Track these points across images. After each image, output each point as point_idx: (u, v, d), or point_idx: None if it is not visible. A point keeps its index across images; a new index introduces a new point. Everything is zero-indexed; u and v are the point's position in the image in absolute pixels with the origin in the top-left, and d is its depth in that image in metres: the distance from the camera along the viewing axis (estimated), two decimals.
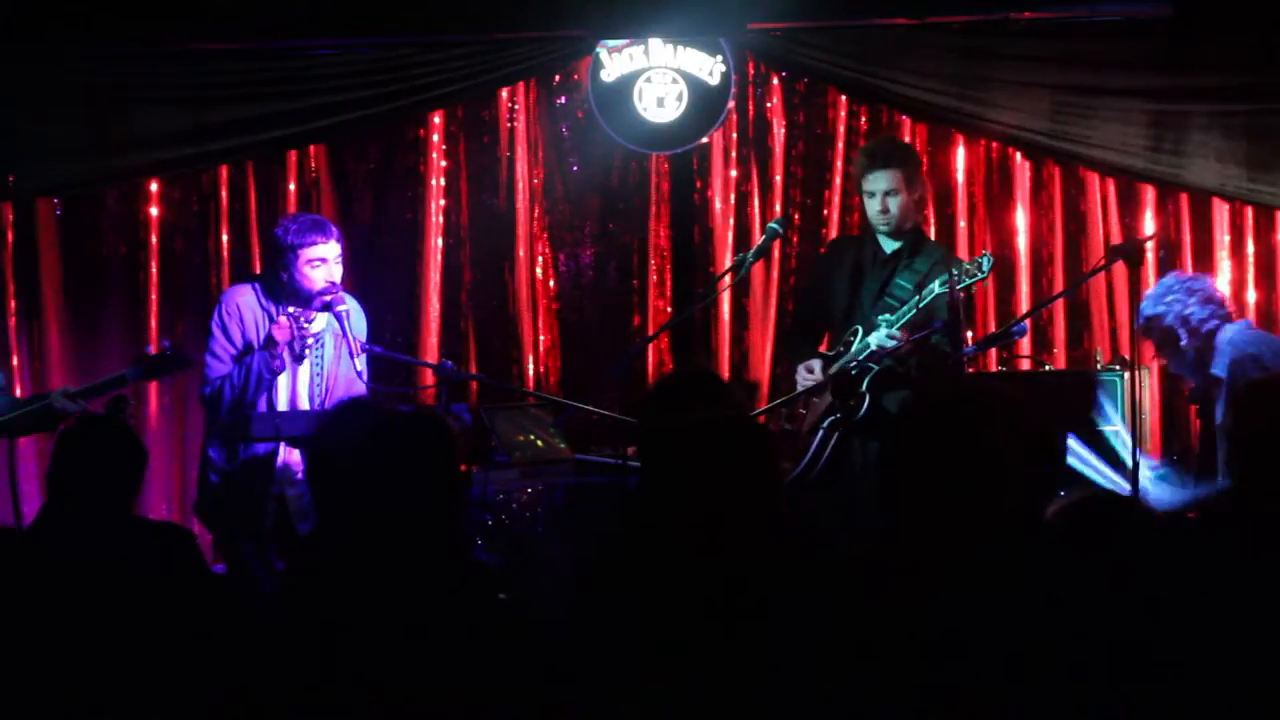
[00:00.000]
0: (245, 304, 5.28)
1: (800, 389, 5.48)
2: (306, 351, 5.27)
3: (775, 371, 6.55)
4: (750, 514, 2.85)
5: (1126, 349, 5.70)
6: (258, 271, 6.21)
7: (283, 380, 5.27)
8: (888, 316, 5.26)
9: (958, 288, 5.09)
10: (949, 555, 2.60)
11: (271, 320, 5.26)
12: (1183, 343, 5.03)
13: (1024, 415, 2.90)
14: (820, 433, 5.37)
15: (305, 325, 5.25)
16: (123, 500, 3.54)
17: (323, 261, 5.22)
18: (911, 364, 5.26)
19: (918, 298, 5.16)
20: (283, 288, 5.26)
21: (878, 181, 5.40)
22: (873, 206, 5.44)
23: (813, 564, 2.81)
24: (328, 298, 5.22)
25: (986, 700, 2.50)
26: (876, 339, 5.23)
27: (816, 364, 5.43)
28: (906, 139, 6.47)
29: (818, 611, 2.67)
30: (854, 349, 5.30)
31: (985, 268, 5.07)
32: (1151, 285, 6.16)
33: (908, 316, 5.19)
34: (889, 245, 5.48)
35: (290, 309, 5.23)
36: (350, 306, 5.32)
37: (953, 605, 2.57)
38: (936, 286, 5.09)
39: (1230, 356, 4.93)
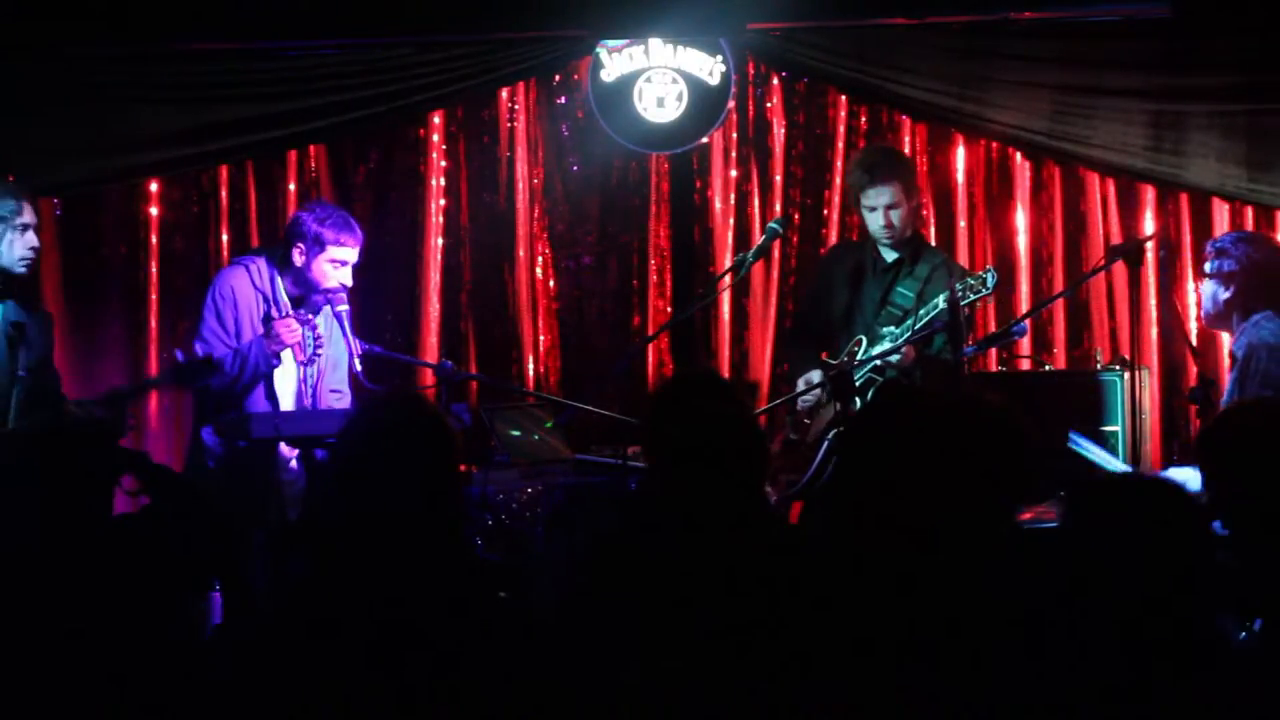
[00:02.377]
0: (240, 287, 5.26)
1: (802, 404, 5.50)
2: (317, 355, 5.26)
3: (775, 371, 6.55)
4: (745, 510, 2.86)
5: (1126, 349, 5.69)
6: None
7: (287, 372, 5.27)
8: (893, 329, 5.27)
9: (961, 304, 5.11)
10: (930, 553, 2.61)
11: (266, 302, 5.24)
12: (1228, 292, 4.98)
13: (1005, 420, 2.90)
14: (825, 444, 5.38)
15: (318, 333, 5.23)
16: (100, 496, 3.53)
17: (344, 264, 5.24)
18: (916, 376, 5.28)
19: (924, 311, 5.16)
20: (290, 270, 5.25)
21: (879, 196, 5.42)
22: (875, 221, 5.46)
23: (807, 561, 2.81)
24: (334, 295, 5.23)
25: (979, 696, 2.51)
26: (882, 352, 5.24)
27: (816, 376, 5.44)
28: (906, 139, 6.48)
29: (815, 608, 2.67)
30: (861, 359, 5.31)
31: (990, 284, 5.08)
32: (1151, 284, 6.18)
33: (914, 332, 5.20)
34: (890, 254, 5.50)
35: (301, 310, 5.21)
36: (345, 306, 5.33)
37: (945, 602, 2.57)
38: (941, 301, 5.11)
39: (1250, 338, 4.89)
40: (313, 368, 5.34)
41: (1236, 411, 3.51)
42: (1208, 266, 5.04)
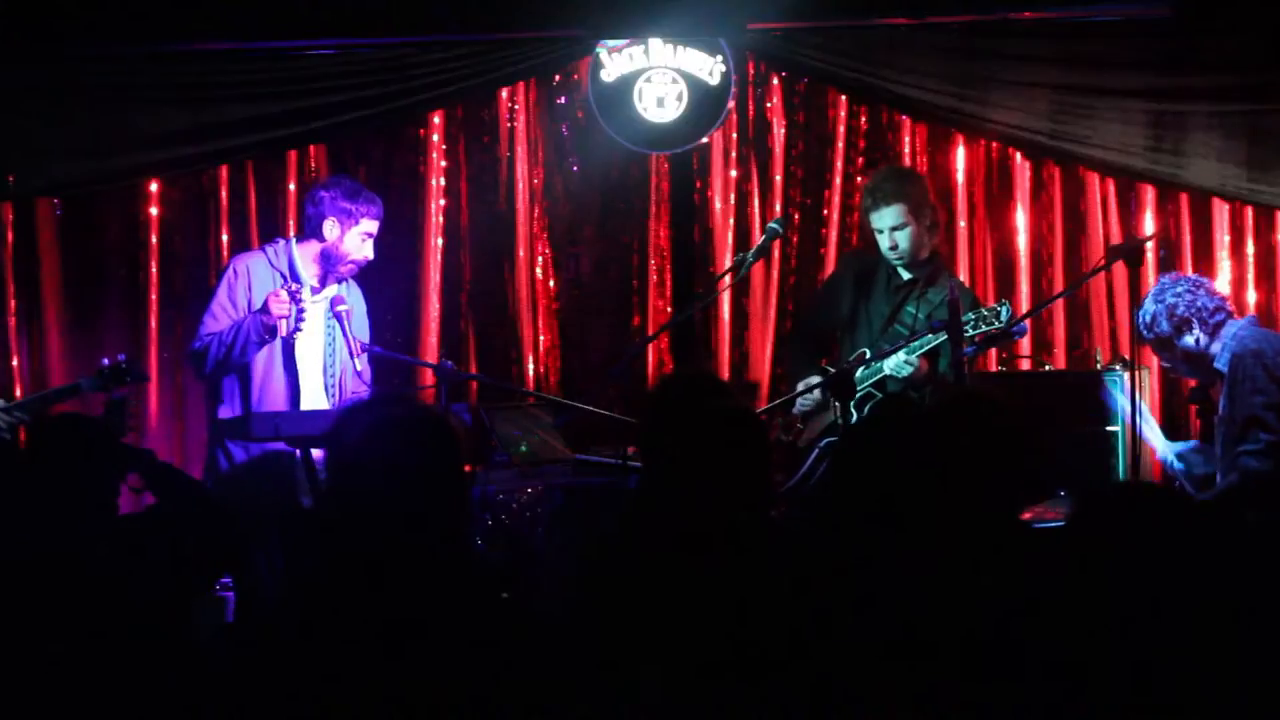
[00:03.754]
0: (255, 268, 5.29)
1: (798, 407, 5.50)
2: (295, 335, 5.25)
3: (775, 372, 6.55)
4: (746, 507, 2.85)
5: (1126, 349, 5.69)
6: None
7: (300, 376, 5.28)
8: (910, 347, 5.25)
9: (974, 333, 5.09)
10: (941, 550, 2.61)
11: (285, 280, 5.26)
12: (1194, 332, 4.97)
13: (1015, 418, 2.91)
14: (816, 450, 5.38)
15: (301, 306, 5.23)
16: (105, 496, 3.52)
17: (371, 236, 5.30)
18: (926, 392, 5.27)
19: (931, 336, 5.12)
20: (316, 246, 5.28)
21: (883, 219, 5.41)
22: (882, 243, 5.45)
23: (807, 561, 2.81)
24: (353, 267, 5.26)
25: (977, 696, 2.51)
26: (893, 364, 5.23)
27: (816, 379, 5.44)
28: (906, 139, 6.48)
29: (814, 607, 2.67)
30: (862, 373, 5.31)
31: (1004, 318, 5.06)
32: (1152, 285, 6.18)
33: (926, 348, 5.19)
34: (905, 273, 5.49)
35: (293, 286, 5.22)
36: (351, 306, 5.34)
37: (946, 600, 2.57)
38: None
39: (1233, 350, 4.90)
40: (334, 366, 5.35)
41: None
42: (1164, 336, 4.98)
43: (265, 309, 5.14)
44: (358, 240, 5.30)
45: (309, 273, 5.33)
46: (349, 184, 5.39)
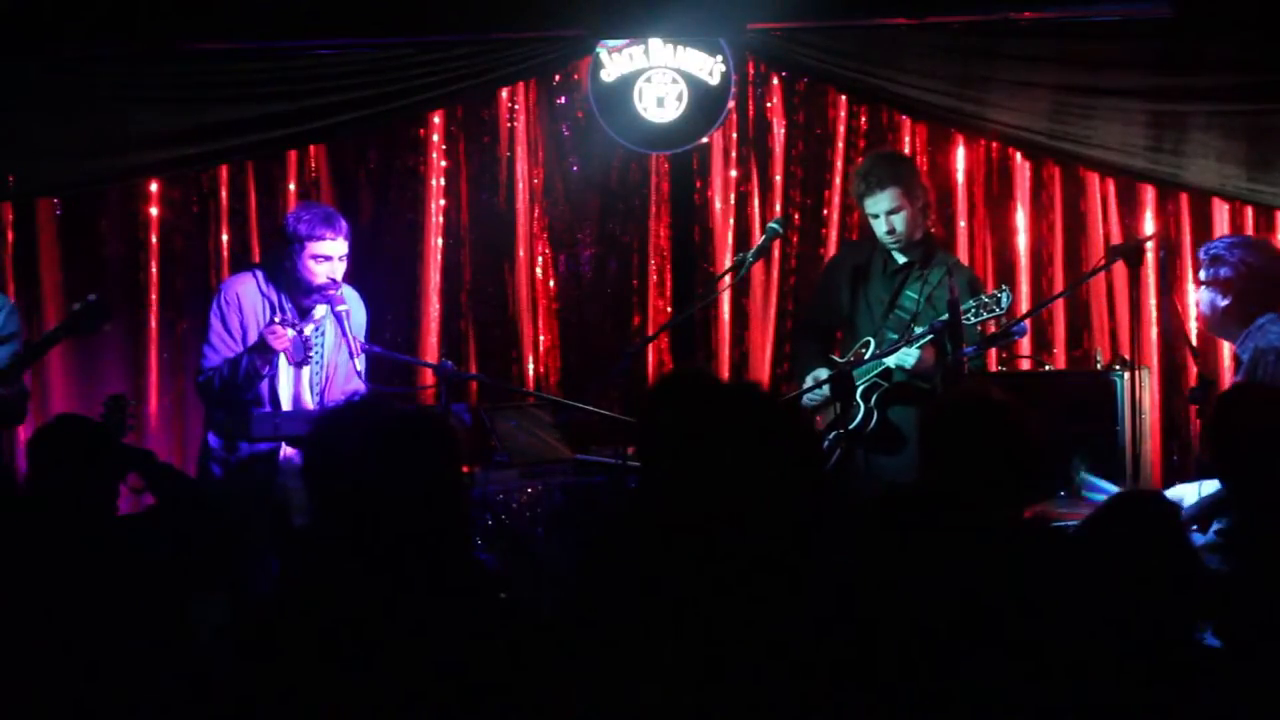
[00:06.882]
0: (245, 293, 5.30)
1: (807, 401, 5.50)
2: (307, 357, 5.28)
3: (775, 371, 6.55)
4: (769, 495, 2.82)
5: (1126, 349, 5.69)
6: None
7: (284, 374, 5.28)
8: (897, 336, 5.24)
9: (975, 321, 5.10)
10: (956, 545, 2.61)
11: (272, 309, 5.27)
12: (1226, 302, 4.89)
13: (1032, 419, 2.91)
14: (827, 442, 5.38)
15: (304, 334, 5.26)
16: (102, 496, 3.53)
17: (327, 258, 5.26)
18: (936, 381, 5.27)
19: (935, 319, 5.11)
20: (284, 275, 5.30)
21: (878, 203, 5.42)
22: (879, 228, 5.45)
23: (814, 554, 2.81)
24: (330, 291, 5.25)
25: (988, 691, 2.51)
26: (897, 359, 5.23)
27: (824, 373, 5.45)
28: (906, 139, 6.48)
29: (821, 600, 2.67)
30: (866, 365, 5.31)
31: (1004, 304, 5.06)
32: (1151, 284, 6.17)
33: (929, 338, 5.19)
34: (901, 256, 5.50)
35: (288, 315, 5.24)
36: (350, 305, 5.33)
37: (956, 597, 2.57)
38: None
39: (1256, 341, 4.82)
40: (320, 373, 5.35)
41: (1244, 395, 3.47)
42: (1202, 274, 4.92)
43: (265, 346, 5.14)
44: (311, 265, 5.25)
45: (293, 300, 5.33)
46: (300, 210, 5.38)
